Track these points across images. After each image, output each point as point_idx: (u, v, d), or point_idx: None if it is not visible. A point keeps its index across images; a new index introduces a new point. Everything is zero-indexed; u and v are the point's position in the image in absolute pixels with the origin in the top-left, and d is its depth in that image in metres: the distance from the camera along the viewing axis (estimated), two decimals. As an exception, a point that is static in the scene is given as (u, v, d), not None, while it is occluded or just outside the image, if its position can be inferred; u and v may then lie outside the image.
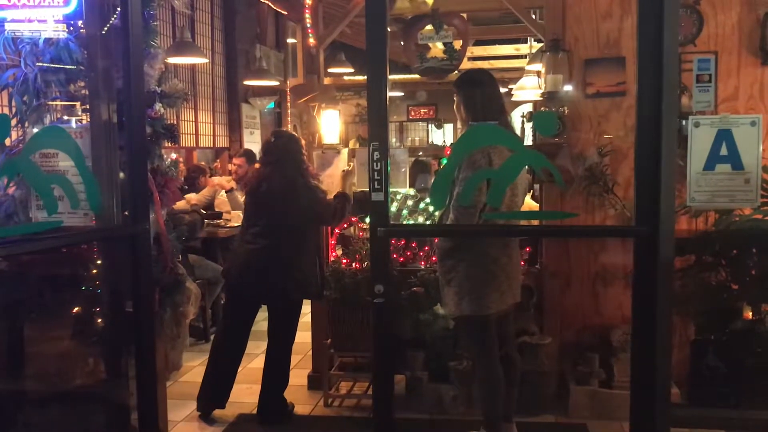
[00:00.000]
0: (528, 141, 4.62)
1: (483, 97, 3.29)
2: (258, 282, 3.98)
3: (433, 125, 14.71)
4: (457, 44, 4.40)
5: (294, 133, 4.46)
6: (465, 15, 4.57)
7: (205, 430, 3.99)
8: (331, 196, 4.14)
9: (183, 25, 6.95)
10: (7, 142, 2.87)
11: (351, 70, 8.43)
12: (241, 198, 5.67)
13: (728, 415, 3.49)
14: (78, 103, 2.94)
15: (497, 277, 3.27)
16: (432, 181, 4.95)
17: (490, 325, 3.32)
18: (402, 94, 12.15)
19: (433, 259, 4.35)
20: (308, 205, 3.93)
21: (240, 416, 4.11)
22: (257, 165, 4.73)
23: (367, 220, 3.70)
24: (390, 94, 2.37)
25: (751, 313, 3.49)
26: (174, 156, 6.16)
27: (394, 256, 4.31)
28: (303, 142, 4.15)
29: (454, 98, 3.41)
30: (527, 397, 3.78)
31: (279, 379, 4.09)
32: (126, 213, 2.78)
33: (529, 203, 4.87)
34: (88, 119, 2.89)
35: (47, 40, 2.86)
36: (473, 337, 3.39)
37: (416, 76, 4.57)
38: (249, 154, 6.49)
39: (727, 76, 3.93)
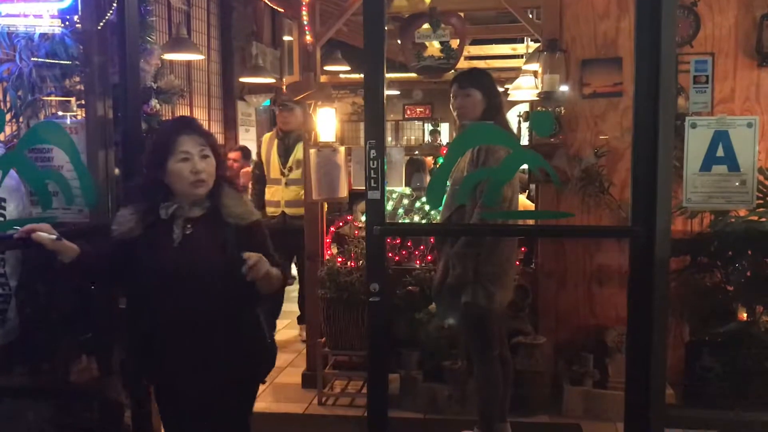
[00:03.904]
0: (524, 141, 4.62)
1: None
2: None
3: (429, 124, 14.70)
4: (454, 43, 4.39)
5: None
6: (462, 14, 4.55)
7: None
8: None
9: (179, 21, 6.93)
10: (2, 136, 2.86)
11: (347, 68, 8.40)
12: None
13: (723, 416, 3.49)
14: (73, 99, 2.92)
15: (508, 273, 3.35)
16: (427, 179, 4.95)
17: (494, 320, 3.35)
18: (398, 92, 12.13)
19: (429, 258, 4.35)
20: None
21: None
22: None
23: (363, 218, 3.67)
24: (386, 92, 2.36)
25: (745, 315, 3.49)
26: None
27: (390, 255, 4.31)
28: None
29: (451, 97, 3.40)
30: (522, 397, 3.79)
31: None
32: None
33: (525, 203, 4.87)
34: (84, 115, 2.88)
35: (43, 35, 2.84)
36: (478, 332, 3.39)
37: (413, 74, 4.55)
38: (244, 150, 6.64)
39: (724, 77, 3.93)
